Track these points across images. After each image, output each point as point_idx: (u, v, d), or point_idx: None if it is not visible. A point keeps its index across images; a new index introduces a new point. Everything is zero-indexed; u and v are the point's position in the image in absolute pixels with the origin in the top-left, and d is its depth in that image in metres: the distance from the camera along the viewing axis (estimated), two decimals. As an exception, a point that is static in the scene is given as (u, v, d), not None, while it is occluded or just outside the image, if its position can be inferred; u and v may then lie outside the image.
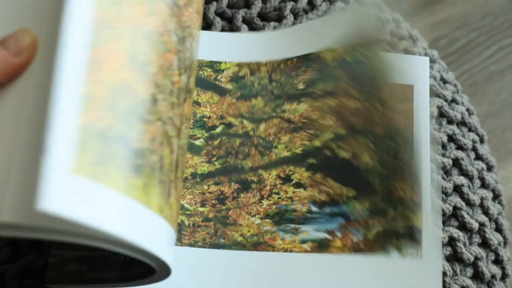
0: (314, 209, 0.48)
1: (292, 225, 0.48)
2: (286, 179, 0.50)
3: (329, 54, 0.52)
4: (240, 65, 0.53)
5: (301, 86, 0.52)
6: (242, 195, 0.50)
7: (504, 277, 0.54)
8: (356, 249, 0.47)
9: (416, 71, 0.54)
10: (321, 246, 0.47)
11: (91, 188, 0.32)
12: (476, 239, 0.53)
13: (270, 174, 0.50)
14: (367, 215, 0.47)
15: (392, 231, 0.47)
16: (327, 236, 0.47)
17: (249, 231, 0.48)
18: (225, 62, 0.53)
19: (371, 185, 0.48)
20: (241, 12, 0.57)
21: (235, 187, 0.50)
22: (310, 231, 0.48)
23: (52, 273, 0.45)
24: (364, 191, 0.48)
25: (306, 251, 0.48)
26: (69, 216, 0.30)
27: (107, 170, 0.33)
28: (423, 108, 0.53)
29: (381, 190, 0.48)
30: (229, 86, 0.52)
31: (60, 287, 0.45)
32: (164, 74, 0.38)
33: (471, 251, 0.52)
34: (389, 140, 0.48)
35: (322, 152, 0.50)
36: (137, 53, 0.36)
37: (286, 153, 0.50)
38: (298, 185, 0.50)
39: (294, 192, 0.49)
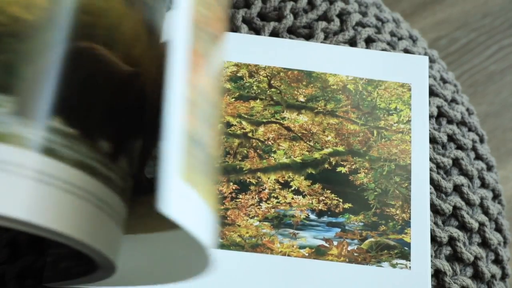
0: (312, 216, 0.50)
1: (291, 230, 0.49)
2: (285, 185, 0.50)
3: (331, 78, 0.53)
4: (238, 65, 0.53)
5: (301, 99, 0.53)
6: (240, 196, 0.50)
7: (504, 277, 0.54)
8: (350, 257, 0.48)
9: (414, 70, 0.54)
10: (318, 252, 0.48)
11: (192, 194, 0.31)
12: (476, 238, 0.53)
13: (268, 178, 0.50)
14: (361, 227, 0.50)
15: (383, 244, 0.49)
16: (324, 243, 0.49)
17: (247, 233, 0.49)
18: (224, 61, 0.53)
19: (365, 200, 0.50)
20: (241, 12, 0.57)
21: (233, 188, 0.50)
22: (308, 238, 0.49)
23: (49, 272, 0.45)
24: (359, 205, 0.50)
25: (304, 256, 0.48)
26: (183, 224, 0.30)
27: (197, 176, 0.32)
28: (422, 107, 0.53)
29: (374, 205, 0.50)
30: (227, 85, 0.53)
31: (57, 285, 0.45)
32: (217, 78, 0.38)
33: (471, 250, 0.52)
34: (383, 163, 0.52)
35: (322, 164, 0.51)
36: (209, 56, 0.36)
37: (285, 160, 0.51)
38: (297, 192, 0.50)
39: (293, 198, 0.50)
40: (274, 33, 0.56)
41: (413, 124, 0.53)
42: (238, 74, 0.53)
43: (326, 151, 0.52)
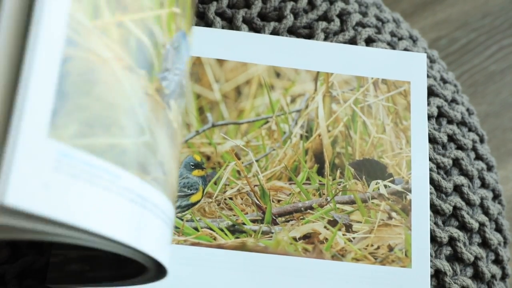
0: None
1: None
2: None
3: None
4: None
5: None
6: None
7: (504, 277, 0.54)
8: None
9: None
10: None
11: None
12: (476, 239, 0.53)
13: None
14: None
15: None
16: None
17: None
18: None
19: None
20: (241, 12, 0.57)
21: None
22: None
23: (54, 273, 0.45)
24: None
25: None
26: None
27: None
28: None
29: None
30: None
31: (61, 286, 0.45)
32: None
33: (471, 251, 0.52)
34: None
35: None
36: None
37: None
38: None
39: None
40: (274, 33, 0.56)
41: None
42: None
43: None
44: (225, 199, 0.50)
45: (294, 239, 0.49)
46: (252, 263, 0.47)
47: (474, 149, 0.57)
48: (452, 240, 0.52)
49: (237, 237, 0.48)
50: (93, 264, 0.43)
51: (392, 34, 0.59)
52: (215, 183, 0.50)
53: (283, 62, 0.54)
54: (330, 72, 0.54)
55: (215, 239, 0.48)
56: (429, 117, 0.55)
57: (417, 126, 0.52)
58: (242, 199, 0.50)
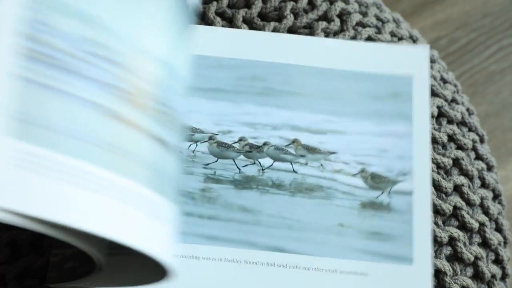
0: None
1: None
2: None
3: None
4: None
5: None
6: None
7: (504, 277, 0.54)
8: None
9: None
10: None
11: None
12: (476, 239, 0.53)
13: None
14: None
15: None
16: None
17: None
18: None
19: None
20: (241, 12, 0.57)
21: None
22: None
23: (53, 272, 0.45)
24: None
25: None
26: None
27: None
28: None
29: None
30: None
31: (60, 285, 0.45)
32: None
33: (471, 250, 0.52)
34: None
35: None
36: None
37: None
38: None
39: None
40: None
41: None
42: None
43: None
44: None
45: None
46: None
47: (474, 149, 0.57)
48: (452, 240, 0.52)
49: None
50: (84, 259, 0.43)
51: (392, 34, 0.59)
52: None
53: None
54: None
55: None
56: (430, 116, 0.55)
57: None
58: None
